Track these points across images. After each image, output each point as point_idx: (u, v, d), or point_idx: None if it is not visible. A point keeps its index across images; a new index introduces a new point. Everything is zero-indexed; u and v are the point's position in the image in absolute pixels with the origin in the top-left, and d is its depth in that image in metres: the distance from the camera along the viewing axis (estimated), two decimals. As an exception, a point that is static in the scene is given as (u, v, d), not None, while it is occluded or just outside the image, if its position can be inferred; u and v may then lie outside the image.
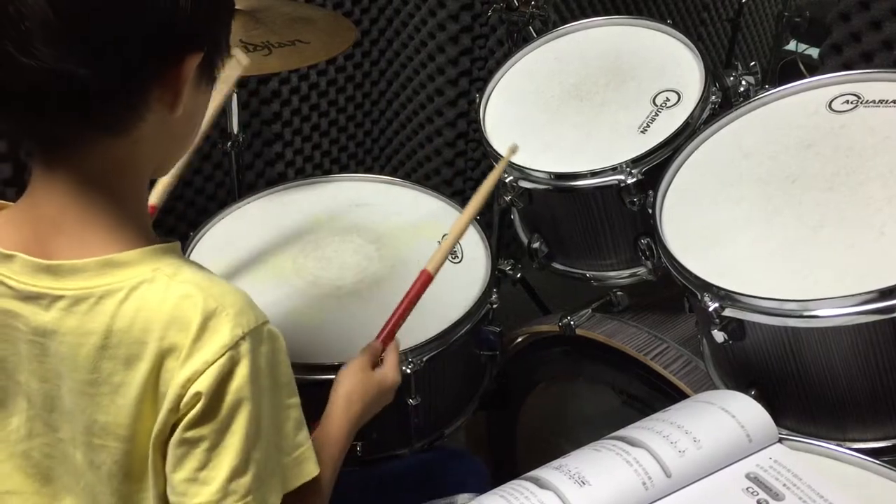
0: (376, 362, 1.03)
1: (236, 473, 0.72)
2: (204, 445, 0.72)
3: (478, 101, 1.44)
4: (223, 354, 0.71)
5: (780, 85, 1.21)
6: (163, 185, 1.19)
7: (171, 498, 0.74)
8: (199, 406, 0.71)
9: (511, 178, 1.30)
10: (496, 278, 1.33)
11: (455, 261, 1.32)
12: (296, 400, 0.79)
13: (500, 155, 1.32)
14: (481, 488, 1.17)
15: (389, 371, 1.02)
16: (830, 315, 0.93)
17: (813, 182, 1.07)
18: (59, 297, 0.72)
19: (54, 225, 0.74)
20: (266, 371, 0.74)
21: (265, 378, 0.74)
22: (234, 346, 0.71)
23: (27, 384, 0.77)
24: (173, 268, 0.74)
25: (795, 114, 1.17)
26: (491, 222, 1.71)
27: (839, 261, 0.97)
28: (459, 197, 2.25)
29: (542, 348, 1.45)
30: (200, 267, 0.77)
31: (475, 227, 1.38)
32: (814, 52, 2.47)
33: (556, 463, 0.86)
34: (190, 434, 0.72)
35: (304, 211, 1.44)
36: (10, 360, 0.77)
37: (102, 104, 0.69)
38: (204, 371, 0.70)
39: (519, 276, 1.57)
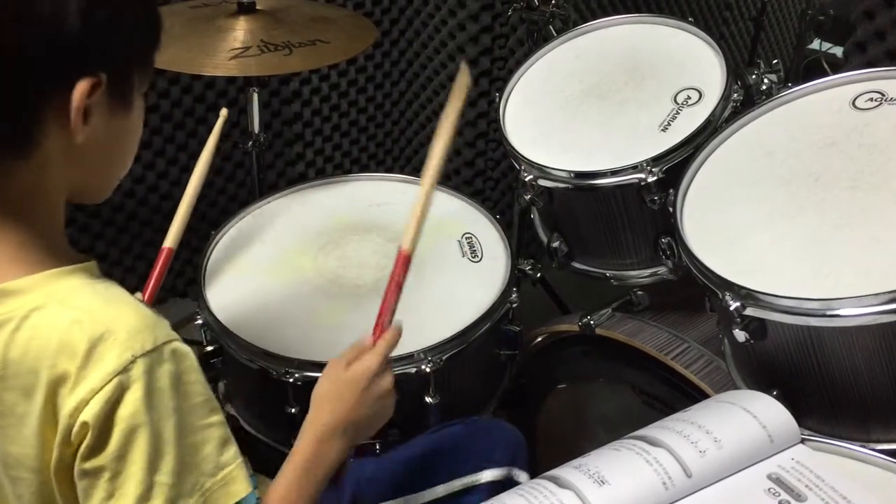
0: (354, 359, 0.94)
1: (142, 500, 0.69)
2: (105, 476, 0.69)
3: (497, 100, 1.44)
4: (109, 381, 0.68)
5: (803, 83, 1.20)
6: (177, 226, 1.22)
7: None
8: (88, 436, 0.68)
9: (531, 176, 1.30)
10: (516, 278, 1.32)
11: (475, 260, 1.32)
12: (216, 418, 0.75)
13: (520, 154, 1.32)
14: (512, 459, 1.13)
15: (366, 359, 0.92)
16: (853, 314, 0.92)
17: (836, 180, 1.06)
18: None
19: None
20: (170, 392, 0.71)
21: (169, 399, 0.71)
22: (123, 370, 0.68)
23: None
24: (69, 291, 0.72)
25: (818, 112, 1.16)
26: (511, 222, 1.70)
27: (862, 259, 0.96)
28: (479, 196, 2.25)
29: (561, 348, 1.45)
30: (108, 287, 0.74)
31: (495, 227, 1.39)
32: (838, 50, 2.44)
33: (575, 462, 0.85)
34: (88, 465, 0.70)
35: (324, 210, 1.44)
36: None
37: None
38: (90, 399, 0.68)
39: (539, 275, 1.57)
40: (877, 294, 0.90)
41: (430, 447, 1.14)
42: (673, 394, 1.28)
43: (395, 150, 2.41)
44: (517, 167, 1.33)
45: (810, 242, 1.01)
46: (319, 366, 1.15)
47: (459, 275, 1.30)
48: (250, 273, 1.32)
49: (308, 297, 1.26)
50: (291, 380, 1.15)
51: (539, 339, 1.46)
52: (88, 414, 0.68)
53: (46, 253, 0.73)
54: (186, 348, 0.73)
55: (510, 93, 1.45)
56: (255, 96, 1.57)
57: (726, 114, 1.24)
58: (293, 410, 1.17)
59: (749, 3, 2.68)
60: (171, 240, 1.25)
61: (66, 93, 0.68)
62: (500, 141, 1.39)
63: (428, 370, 1.14)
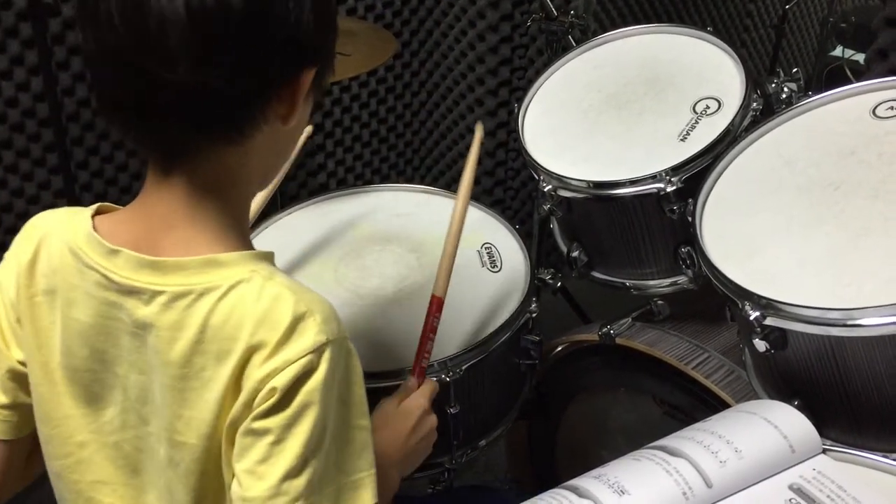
0: (405, 397, 1.03)
1: (291, 474, 0.73)
2: (269, 438, 0.73)
3: (516, 110, 1.44)
4: (305, 356, 0.72)
5: (824, 91, 1.20)
6: (256, 205, 1.22)
7: (233, 487, 0.75)
8: (272, 400, 0.72)
9: (550, 186, 1.30)
10: (536, 287, 1.33)
11: (494, 270, 1.33)
12: (366, 423, 0.79)
13: (539, 164, 1.33)
14: None
15: (415, 397, 1.02)
16: (875, 324, 0.91)
17: (856, 189, 1.06)
18: (160, 293, 0.75)
19: (165, 226, 0.77)
20: (342, 384, 0.76)
21: (339, 390, 0.76)
22: (317, 350, 0.73)
23: (126, 376, 0.80)
24: (269, 271, 0.77)
25: (838, 120, 1.16)
26: (531, 231, 1.71)
27: (884, 269, 0.96)
28: (499, 206, 2.26)
29: (582, 357, 1.45)
30: (294, 278, 0.80)
31: (514, 236, 1.39)
32: (860, 57, 2.43)
33: (595, 472, 0.85)
34: (258, 424, 0.73)
35: (345, 221, 1.45)
36: (109, 353, 0.80)
37: (228, 115, 0.73)
38: (284, 369, 0.72)
39: (559, 285, 1.57)
40: (898, 303, 0.90)
41: None
42: (693, 403, 1.28)
43: (416, 160, 2.42)
44: (536, 177, 1.34)
45: (831, 252, 1.01)
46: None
47: (479, 285, 1.30)
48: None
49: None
50: (313, 389, 1.16)
51: (559, 348, 1.46)
52: (280, 381, 0.72)
53: (241, 235, 0.81)
54: (355, 350, 0.78)
55: (529, 103, 1.46)
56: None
57: (745, 123, 1.24)
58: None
59: (770, 10, 2.67)
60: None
61: (293, 81, 0.75)
62: (520, 151, 1.39)
63: (448, 380, 1.15)
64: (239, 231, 0.80)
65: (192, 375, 0.75)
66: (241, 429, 0.74)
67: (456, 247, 1.10)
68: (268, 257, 0.79)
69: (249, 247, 0.80)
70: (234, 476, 0.76)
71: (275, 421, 0.73)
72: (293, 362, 0.72)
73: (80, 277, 0.79)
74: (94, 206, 0.82)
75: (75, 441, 0.83)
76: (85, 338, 0.80)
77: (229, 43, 0.70)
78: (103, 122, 1.80)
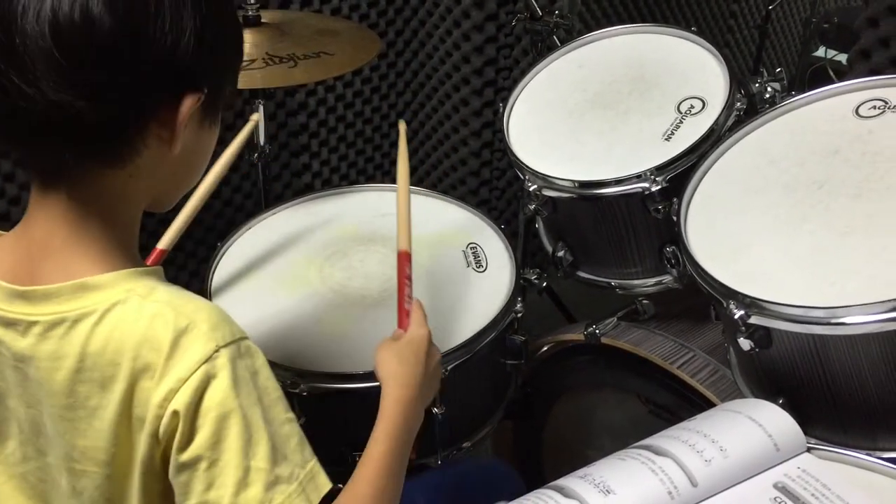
0: (400, 336, 1.01)
1: (241, 487, 0.71)
2: (203, 466, 0.71)
3: (501, 110, 1.44)
4: (197, 369, 0.70)
5: (808, 90, 1.20)
6: (174, 229, 1.21)
7: None
8: (179, 426, 0.70)
9: (535, 186, 1.30)
10: (521, 287, 1.32)
11: (480, 270, 1.33)
12: (293, 416, 0.77)
13: (524, 164, 1.32)
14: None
15: (412, 328, 0.99)
16: (859, 322, 0.91)
17: (840, 188, 1.06)
18: (34, 323, 0.73)
19: (43, 249, 0.75)
20: (251, 384, 0.73)
21: (251, 390, 0.73)
22: (208, 359, 0.70)
23: (16, 409, 0.78)
24: (147, 289, 0.74)
25: (822, 120, 1.16)
26: (517, 231, 1.71)
27: (867, 267, 0.96)
28: (485, 206, 2.26)
29: (567, 357, 1.45)
30: (179, 288, 0.77)
31: (500, 236, 1.39)
32: (843, 58, 2.45)
33: (580, 472, 0.85)
34: (184, 457, 0.71)
35: (330, 221, 1.45)
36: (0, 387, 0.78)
37: (99, 137, 0.70)
38: (179, 389, 0.70)
39: (544, 284, 1.57)
40: (883, 301, 0.90)
41: (435, 485, 1.19)
42: (678, 402, 1.28)
43: (401, 161, 2.42)
44: (521, 177, 1.33)
45: (815, 250, 1.01)
46: (325, 376, 1.16)
47: (464, 285, 1.30)
48: (256, 284, 1.32)
49: (314, 308, 1.27)
50: (297, 390, 1.15)
51: (545, 348, 1.46)
52: (178, 403, 0.70)
53: (125, 256, 0.77)
54: (256, 347, 0.76)
55: (514, 103, 1.45)
56: (261, 107, 1.58)
57: (730, 122, 1.25)
58: (299, 422, 1.17)
59: (754, 11, 2.69)
60: (164, 241, 1.22)
61: (173, 107, 0.72)
62: (505, 151, 1.39)
63: (433, 380, 1.14)
64: (123, 252, 0.77)
65: (77, 405, 0.73)
66: (171, 470, 0.72)
67: (408, 201, 1.14)
68: (152, 273, 0.77)
69: (134, 263, 0.77)
70: None
71: (199, 445, 0.71)
72: (186, 379, 0.70)
73: None
74: None
75: None
76: None
77: (94, 64, 0.67)
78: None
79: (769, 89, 1.28)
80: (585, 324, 1.38)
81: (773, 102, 1.26)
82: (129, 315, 0.72)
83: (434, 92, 2.26)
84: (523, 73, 1.49)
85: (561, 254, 1.39)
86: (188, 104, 0.72)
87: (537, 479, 1.13)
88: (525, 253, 1.73)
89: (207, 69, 0.73)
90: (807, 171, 1.11)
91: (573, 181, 1.27)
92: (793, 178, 1.11)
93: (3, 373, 0.77)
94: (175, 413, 0.70)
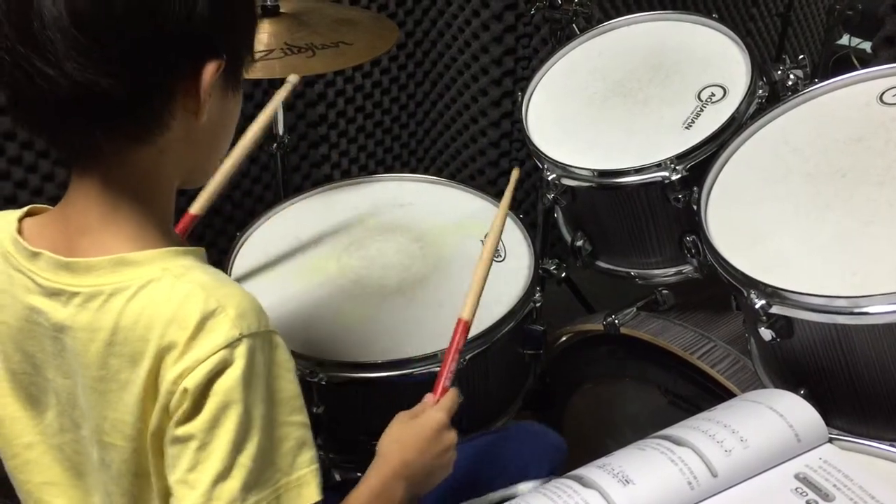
0: (421, 412, 0.96)
1: (221, 477, 0.71)
2: (193, 444, 0.71)
3: (520, 99, 1.43)
4: (215, 353, 0.70)
5: (829, 78, 1.19)
6: (206, 195, 1.20)
7: (172, 500, 0.74)
8: (186, 402, 0.71)
9: (554, 175, 1.30)
10: (540, 277, 1.32)
11: (498, 259, 1.32)
12: (300, 419, 0.76)
13: (543, 153, 1.32)
14: (550, 469, 1.15)
15: (432, 411, 0.95)
16: (882, 312, 0.90)
17: (863, 176, 1.05)
18: (75, 294, 0.74)
19: (80, 227, 0.76)
20: (264, 379, 0.73)
21: (262, 386, 0.73)
22: (229, 346, 0.71)
23: (54, 380, 0.79)
24: (182, 269, 0.75)
25: (845, 107, 1.15)
26: (536, 221, 1.70)
27: (891, 256, 0.95)
28: (504, 197, 2.25)
29: (586, 347, 1.44)
30: (217, 272, 0.78)
31: (518, 226, 1.38)
32: (867, 46, 2.41)
33: (599, 462, 0.85)
34: (180, 431, 0.72)
35: (348, 211, 1.45)
36: (38, 357, 0.79)
37: (126, 113, 0.71)
38: (194, 368, 0.70)
39: (563, 275, 1.56)
40: (906, 291, 0.89)
41: (464, 459, 1.13)
42: (699, 393, 1.27)
43: (420, 151, 2.41)
44: (540, 166, 1.33)
45: (837, 240, 1.00)
46: (344, 365, 1.16)
47: (483, 274, 1.30)
48: (275, 274, 1.33)
49: (332, 298, 1.27)
50: (316, 379, 1.15)
51: (564, 338, 1.46)
52: (191, 381, 0.70)
53: (162, 234, 0.78)
54: (283, 343, 0.76)
55: (533, 92, 1.45)
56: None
57: (751, 110, 1.23)
58: (318, 411, 1.18)
59: (776, -2, 2.65)
60: (196, 206, 1.19)
61: (195, 76, 0.73)
62: (524, 141, 1.39)
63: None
64: (160, 230, 0.78)
65: (109, 377, 0.74)
66: (167, 438, 0.73)
67: (486, 273, 1.07)
68: (192, 254, 0.77)
69: (171, 241, 0.78)
70: (165, 485, 0.75)
71: (195, 425, 0.71)
72: (203, 361, 0.70)
73: (9, 281, 0.78)
74: (25, 209, 0.81)
75: (22, 442, 0.83)
76: (16, 342, 0.79)
77: (113, 40, 0.68)
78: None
79: (791, 77, 1.26)
80: (605, 314, 1.38)
81: (795, 90, 1.24)
82: (162, 293, 0.73)
83: (453, 82, 2.25)
84: (542, 63, 1.48)
85: (580, 243, 1.39)
86: (210, 71, 0.73)
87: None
88: (544, 243, 1.73)
89: (224, 35, 0.75)
90: (829, 159, 1.09)
91: (592, 170, 1.27)
92: (815, 167, 1.09)
93: (42, 343, 0.78)
94: (185, 390, 0.71)
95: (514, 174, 1.18)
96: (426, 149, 2.42)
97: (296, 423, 0.76)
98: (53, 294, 0.75)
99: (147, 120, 0.73)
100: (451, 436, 0.95)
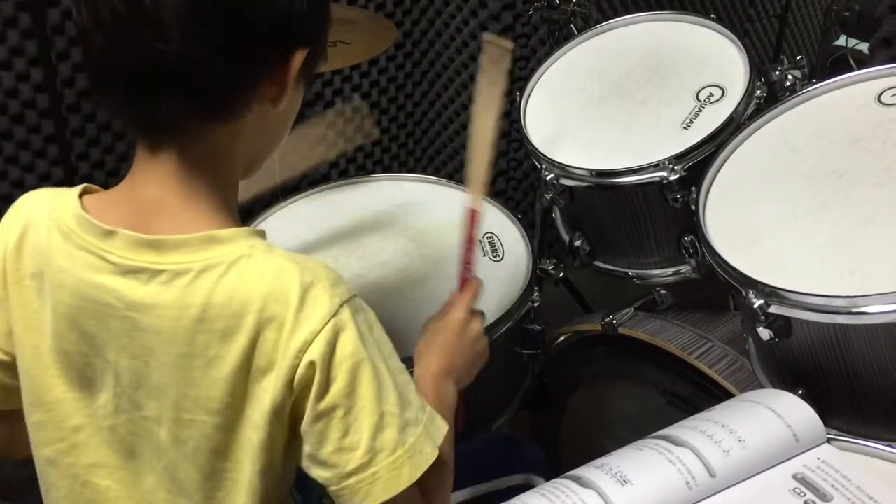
0: (445, 313, 0.99)
1: (377, 430, 0.74)
2: (339, 413, 0.74)
3: (518, 99, 1.43)
4: (328, 322, 0.73)
5: (827, 79, 1.19)
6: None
7: (324, 475, 0.76)
8: (316, 375, 0.73)
9: (552, 175, 1.30)
10: (538, 277, 1.32)
11: (496, 259, 1.32)
12: (403, 365, 0.80)
13: (541, 153, 1.32)
14: (532, 468, 1.18)
15: (453, 311, 0.97)
16: (880, 312, 0.91)
17: (861, 177, 1.05)
18: (160, 272, 0.75)
19: (156, 206, 0.77)
20: (370, 336, 0.77)
21: (372, 342, 0.76)
22: (335, 313, 0.73)
23: (116, 361, 0.79)
24: (267, 245, 0.77)
25: (843, 107, 1.15)
26: (534, 223, 1.70)
27: (889, 256, 0.95)
28: (502, 197, 2.25)
29: (584, 347, 1.44)
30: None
31: (516, 226, 1.38)
32: (864, 47, 2.41)
33: (597, 462, 0.85)
34: (322, 406, 0.74)
35: (346, 210, 1.45)
36: (100, 337, 0.79)
37: (218, 92, 0.74)
38: (313, 340, 0.72)
39: (561, 275, 1.56)
40: (904, 291, 0.89)
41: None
42: (697, 393, 1.27)
43: (417, 151, 2.41)
44: (538, 166, 1.33)
45: (835, 240, 1.00)
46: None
47: (481, 274, 1.29)
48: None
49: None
50: (314, 380, 1.15)
51: (562, 338, 1.45)
52: (314, 353, 0.72)
53: (233, 215, 0.81)
54: (366, 304, 0.79)
55: (531, 92, 1.45)
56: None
57: (749, 111, 1.23)
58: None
59: (773, -1, 2.65)
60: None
61: (283, 63, 0.76)
62: (522, 140, 1.39)
63: (450, 369, 1.14)
64: (229, 210, 0.80)
65: (196, 354, 0.75)
66: (308, 418, 0.75)
67: (491, 144, 1.02)
68: (261, 234, 0.79)
69: (239, 226, 0.80)
70: (266, 462, 0.77)
71: (334, 395, 0.74)
72: (319, 331, 0.73)
73: (70, 260, 0.78)
74: (80, 187, 0.82)
75: (70, 425, 0.83)
76: (74, 321, 0.79)
77: (221, 17, 0.71)
78: (104, 112, 1.79)
79: (789, 77, 1.26)
80: (602, 314, 1.38)
81: (793, 90, 1.24)
82: (256, 268, 0.74)
83: (450, 82, 2.25)
84: (540, 63, 1.48)
85: (578, 243, 1.39)
86: (298, 59, 0.76)
87: (555, 470, 1.13)
88: (542, 243, 1.73)
89: (314, 25, 0.78)
90: (827, 159, 1.09)
91: (590, 170, 1.27)
92: (813, 167, 1.10)
93: (108, 323, 0.78)
94: (311, 363, 0.72)
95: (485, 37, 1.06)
96: (424, 149, 2.42)
97: (404, 368, 0.80)
98: (131, 272, 0.75)
99: (234, 100, 0.75)
100: (476, 326, 0.99)
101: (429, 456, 0.77)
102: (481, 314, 1.01)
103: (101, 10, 0.71)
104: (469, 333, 0.97)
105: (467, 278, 1.02)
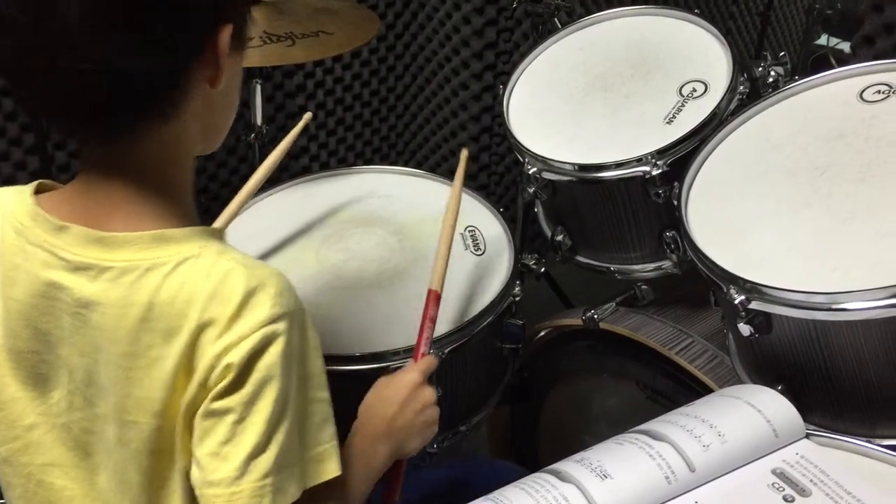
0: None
1: (256, 452, 0.72)
2: (230, 418, 0.72)
3: (501, 93, 1.43)
4: (259, 329, 0.71)
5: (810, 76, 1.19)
6: (228, 213, 1.22)
7: (194, 472, 0.74)
8: (228, 377, 0.71)
9: (535, 169, 1.29)
10: (519, 271, 1.31)
11: (478, 253, 1.31)
12: (324, 395, 0.78)
13: (524, 147, 1.31)
14: None
15: (406, 371, 0.98)
16: (860, 308, 0.91)
17: (843, 173, 1.05)
18: (107, 269, 0.74)
19: (109, 204, 0.76)
20: (298, 357, 0.75)
21: (296, 363, 0.75)
22: (272, 322, 0.72)
23: (68, 358, 0.78)
24: (220, 247, 0.76)
25: (825, 104, 1.15)
26: (515, 217, 1.70)
27: (870, 253, 0.95)
28: (483, 191, 2.24)
29: (565, 342, 1.44)
30: (246, 254, 0.78)
31: (498, 220, 1.38)
32: (845, 46, 2.43)
33: (577, 456, 0.85)
34: (217, 405, 0.72)
35: (327, 203, 1.43)
36: (53, 334, 0.78)
37: (155, 90, 0.72)
38: (238, 344, 0.71)
39: (543, 270, 1.56)
40: (884, 287, 0.89)
41: (429, 489, 1.19)
42: (677, 388, 1.28)
43: (399, 144, 2.40)
44: (521, 160, 1.32)
45: (817, 236, 1.00)
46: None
47: (462, 267, 1.29)
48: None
49: (310, 290, 1.26)
50: (293, 372, 1.14)
51: (542, 333, 1.45)
52: (235, 356, 0.71)
53: (186, 213, 0.79)
54: (312, 322, 0.77)
55: (514, 85, 1.44)
56: (258, 88, 1.57)
57: (732, 106, 1.23)
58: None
59: (756, -3, 2.66)
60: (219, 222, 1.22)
61: (211, 42, 0.73)
62: (505, 135, 1.38)
63: (430, 362, 1.13)
64: (184, 208, 0.79)
65: (139, 353, 0.74)
66: (201, 411, 0.73)
67: (450, 241, 1.11)
68: (217, 234, 0.78)
69: (195, 223, 0.79)
70: (188, 463, 0.75)
71: (235, 399, 0.72)
72: (247, 337, 0.71)
73: (24, 256, 0.77)
74: (34, 184, 0.80)
75: (23, 424, 0.82)
76: (27, 319, 0.78)
77: (133, 15, 0.69)
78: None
79: (772, 73, 1.26)
80: (583, 309, 1.38)
81: (776, 86, 1.24)
82: (203, 270, 0.73)
83: (433, 75, 2.24)
84: (523, 57, 1.48)
85: (560, 238, 1.38)
86: (224, 37, 0.74)
87: (534, 464, 1.13)
88: (524, 238, 1.72)
89: (227, 1, 0.75)
90: (809, 155, 1.10)
91: (573, 164, 1.26)
92: (795, 163, 1.10)
93: (59, 320, 0.77)
94: (228, 366, 0.71)
95: (464, 153, 1.19)
96: (406, 142, 2.41)
97: (322, 400, 0.78)
98: (80, 269, 0.74)
99: (171, 97, 0.73)
100: (428, 392, 0.97)
101: (290, 496, 0.74)
102: (436, 390, 0.99)
103: (12, 35, 0.69)
104: (418, 398, 0.95)
105: (424, 352, 1.02)
